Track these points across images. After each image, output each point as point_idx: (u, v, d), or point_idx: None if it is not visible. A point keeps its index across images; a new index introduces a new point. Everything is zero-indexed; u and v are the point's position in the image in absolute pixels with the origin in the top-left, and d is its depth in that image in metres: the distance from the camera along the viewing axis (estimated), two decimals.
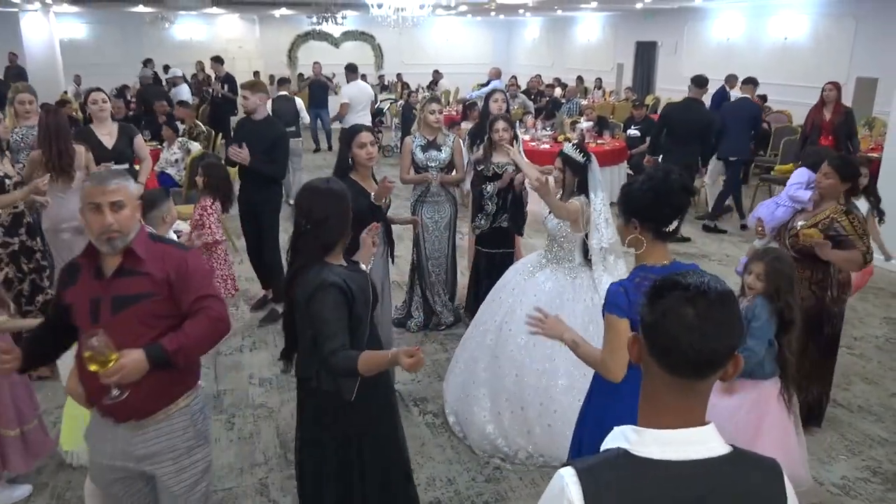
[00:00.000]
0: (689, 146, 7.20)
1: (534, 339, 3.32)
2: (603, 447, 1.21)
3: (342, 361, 2.17)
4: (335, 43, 21.19)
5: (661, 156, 7.58)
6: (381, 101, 13.64)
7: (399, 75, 19.04)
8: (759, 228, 3.93)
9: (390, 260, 4.02)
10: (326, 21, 15.58)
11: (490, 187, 4.76)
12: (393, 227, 4.10)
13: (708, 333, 1.12)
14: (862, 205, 4.09)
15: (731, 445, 1.18)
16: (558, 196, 3.53)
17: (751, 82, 9.02)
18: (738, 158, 7.79)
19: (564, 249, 3.59)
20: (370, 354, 2.18)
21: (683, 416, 1.17)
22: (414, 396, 4.20)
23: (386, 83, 18.71)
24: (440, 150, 4.81)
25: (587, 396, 2.41)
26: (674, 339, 1.12)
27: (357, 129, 3.78)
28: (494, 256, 4.85)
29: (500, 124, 4.65)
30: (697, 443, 1.15)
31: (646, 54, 17.43)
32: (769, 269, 2.94)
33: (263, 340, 4.98)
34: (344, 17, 17.09)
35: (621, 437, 1.18)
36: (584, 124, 9.78)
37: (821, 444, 3.73)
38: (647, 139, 9.31)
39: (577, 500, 1.11)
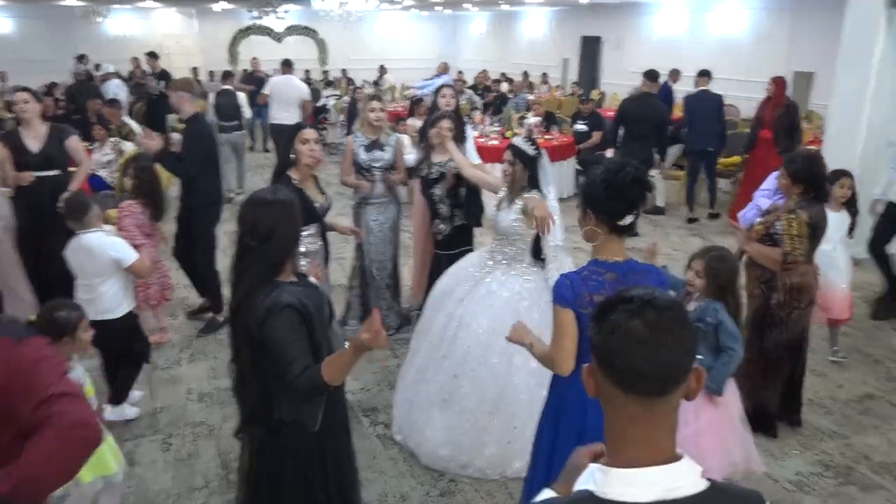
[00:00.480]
0: (645, 140, 7.30)
1: (493, 354, 3.22)
2: (575, 487, 1.13)
3: (309, 381, 1.98)
4: (277, 38, 20.72)
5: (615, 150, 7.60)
6: (325, 98, 13.34)
7: (344, 71, 18.73)
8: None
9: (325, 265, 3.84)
10: (268, 15, 15.16)
11: (438, 190, 4.59)
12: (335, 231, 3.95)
13: (660, 344, 1.05)
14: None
15: (709, 480, 1.07)
16: (503, 197, 3.41)
17: (706, 74, 9.08)
18: (711, 149, 7.79)
19: (516, 248, 3.38)
20: (330, 359, 2.01)
21: (650, 448, 1.07)
22: (364, 406, 4.02)
23: (331, 79, 18.38)
24: (384, 150, 4.62)
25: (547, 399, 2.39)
26: (626, 356, 1.05)
27: (302, 124, 3.66)
28: (454, 258, 4.65)
29: (445, 123, 4.47)
30: (668, 481, 1.04)
31: (591, 49, 17.56)
32: (708, 266, 2.90)
33: (202, 352, 4.73)
34: (286, 12, 16.71)
35: (590, 478, 1.10)
36: (532, 120, 9.73)
37: (773, 440, 3.72)
38: (594, 133, 9.35)
39: None
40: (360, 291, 4.88)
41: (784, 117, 7.11)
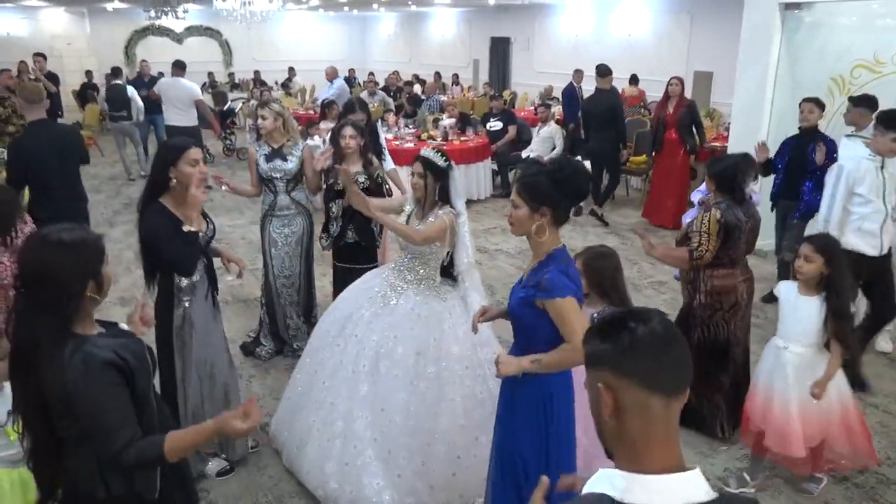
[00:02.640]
0: (606, 132, 7.73)
1: (421, 381, 3.00)
2: (586, 489, 1.16)
3: (143, 454, 1.71)
4: (178, 39, 19.86)
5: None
6: (232, 101, 12.82)
7: (257, 73, 18.10)
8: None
9: (213, 298, 3.31)
10: (166, 15, 14.41)
11: (335, 207, 4.33)
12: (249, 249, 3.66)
13: (678, 343, 1.15)
14: None
15: (717, 491, 1.12)
16: (412, 212, 3.22)
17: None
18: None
19: (430, 267, 3.18)
20: (180, 435, 1.75)
21: (667, 452, 1.13)
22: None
23: (237, 81, 17.74)
24: (286, 160, 4.31)
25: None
26: (656, 355, 1.12)
27: (185, 143, 3.05)
28: (353, 272, 4.44)
29: (348, 130, 4.26)
30: (686, 489, 1.09)
31: (500, 50, 17.74)
32: (586, 265, 2.91)
33: None
34: (185, 12, 15.96)
35: (606, 484, 1.12)
36: (447, 121, 9.67)
37: (701, 436, 3.75)
38: (508, 128, 9.37)
39: None
40: (267, 309, 4.62)
41: (686, 116, 7.34)
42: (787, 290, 3.15)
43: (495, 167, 9.43)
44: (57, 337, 1.70)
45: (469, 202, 5.29)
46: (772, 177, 5.37)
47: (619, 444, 1.16)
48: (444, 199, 3.12)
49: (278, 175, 4.33)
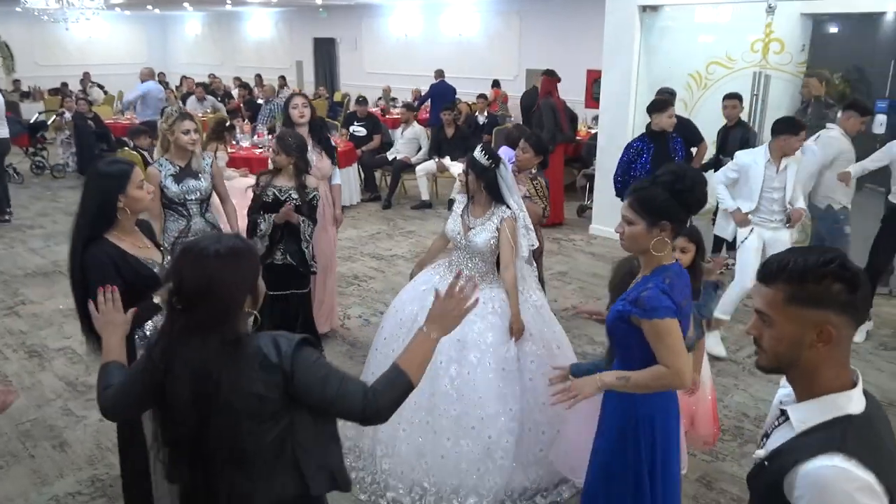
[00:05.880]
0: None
1: (509, 364, 3.03)
2: (806, 425, 1.29)
3: (388, 389, 1.65)
4: None
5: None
6: (41, 114, 11.19)
7: (65, 83, 15.93)
8: None
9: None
10: None
11: (264, 225, 3.91)
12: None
13: (867, 280, 1.32)
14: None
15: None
16: (466, 205, 3.22)
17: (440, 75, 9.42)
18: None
19: (488, 263, 3.19)
20: (408, 356, 1.73)
21: (849, 370, 1.33)
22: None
23: (26, 89, 15.54)
24: (198, 178, 3.82)
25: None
26: (864, 297, 1.28)
27: (125, 165, 2.56)
28: (285, 301, 4.04)
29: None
30: (861, 394, 1.31)
31: (325, 50, 17.36)
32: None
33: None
34: None
35: (834, 409, 1.27)
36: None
37: None
38: (374, 137, 9.18)
39: (870, 478, 1.17)
40: None
41: (548, 113, 7.70)
42: None
43: (362, 171, 9.21)
44: (230, 351, 1.58)
45: (343, 208, 5.11)
46: None
47: (816, 368, 1.30)
48: (497, 197, 3.11)
49: (193, 196, 3.81)
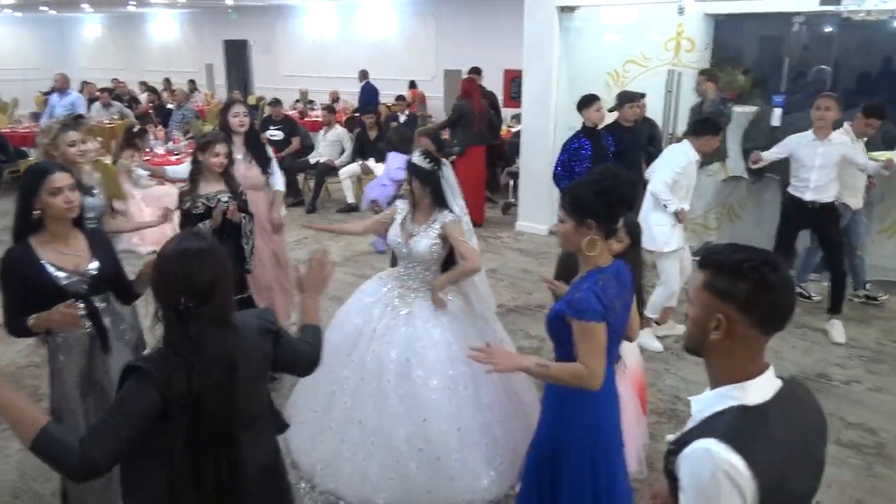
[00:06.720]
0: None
1: (459, 383, 2.95)
2: (704, 414, 1.36)
3: (319, 343, 2.08)
4: None
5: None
6: None
7: None
8: (376, 208, 4.53)
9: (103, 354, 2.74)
10: None
11: (203, 232, 3.78)
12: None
13: (792, 291, 1.38)
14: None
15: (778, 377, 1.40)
16: (407, 213, 3.15)
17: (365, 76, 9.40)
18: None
19: (432, 272, 3.14)
20: (307, 313, 2.17)
21: (759, 363, 1.37)
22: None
23: None
24: (91, 194, 3.44)
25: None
26: (788, 302, 1.34)
27: (47, 167, 2.54)
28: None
29: (222, 147, 3.75)
30: (772, 379, 1.37)
31: (237, 53, 16.89)
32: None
33: None
34: None
35: (727, 399, 1.34)
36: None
37: None
38: (292, 140, 8.99)
39: (734, 463, 1.22)
40: None
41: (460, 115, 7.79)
42: None
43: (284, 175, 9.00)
44: (238, 329, 1.78)
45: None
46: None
47: (720, 358, 1.38)
48: (440, 202, 3.06)
49: (89, 215, 3.43)
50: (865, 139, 5.04)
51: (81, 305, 2.48)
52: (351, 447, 2.98)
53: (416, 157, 3.06)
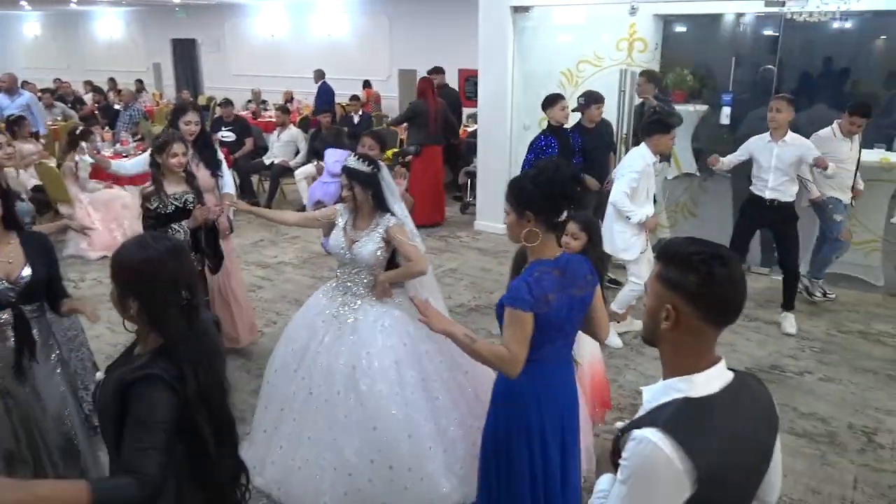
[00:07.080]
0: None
1: (406, 389, 2.90)
2: (653, 404, 1.37)
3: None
4: None
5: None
6: None
7: None
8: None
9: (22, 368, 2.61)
10: None
11: (182, 234, 3.64)
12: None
13: (743, 286, 1.36)
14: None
15: (731, 370, 1.43)
16: (347, 222, 3.07)
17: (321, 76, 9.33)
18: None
19: (374, 277, 3.07)
20: None
21: (710, 356, 1.39)
22: None
23: None
24: (23, 201, 3.51)
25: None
26: (737, 297, 1.35)
27: None
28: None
29: (179, 147, 3.67)
30: (722, 373, 1.39)
31: (185, 52, 16.51)
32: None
33: None
34: None
35: (671, 391, 1.36)
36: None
37: None
38: (246, 141, 8.83)
39: (671, 451, 1.24)
40: None
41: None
42: None
43: (237, 176, 8.83)
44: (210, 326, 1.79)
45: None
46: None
47: (671, 350, 1.40)
48: (381, 205, 2.99)
49: (28, 220, 3.39)
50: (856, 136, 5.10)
51: (4, 317, 2.50)
52: (302, 465, 2.91)
53: (353, 161, 2.99)
